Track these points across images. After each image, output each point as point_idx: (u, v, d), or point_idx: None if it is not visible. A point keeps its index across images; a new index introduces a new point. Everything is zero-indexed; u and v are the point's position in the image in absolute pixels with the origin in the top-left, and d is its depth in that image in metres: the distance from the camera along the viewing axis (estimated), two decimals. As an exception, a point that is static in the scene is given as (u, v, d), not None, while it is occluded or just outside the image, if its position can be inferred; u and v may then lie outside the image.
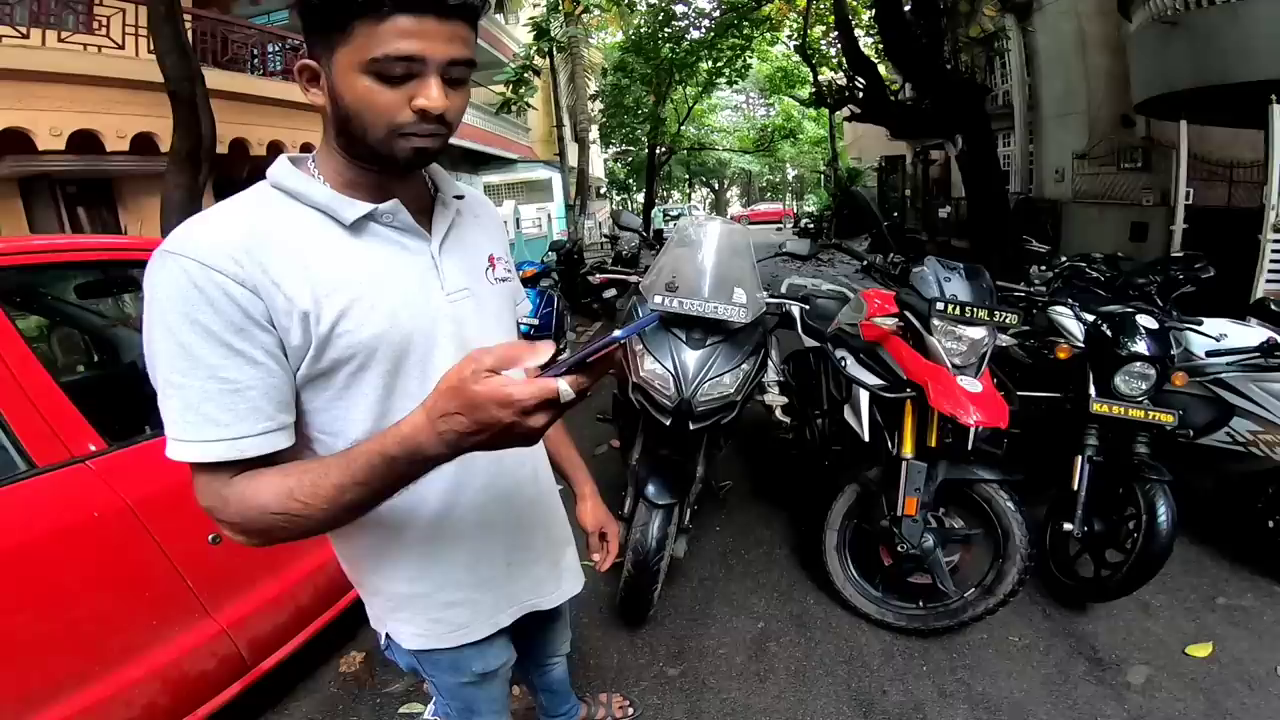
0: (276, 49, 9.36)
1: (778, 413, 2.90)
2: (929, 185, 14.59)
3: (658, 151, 18.96)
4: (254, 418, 0.70)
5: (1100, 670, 2.05)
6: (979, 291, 2.10)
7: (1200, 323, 2.56)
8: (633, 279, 2.61)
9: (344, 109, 0.72)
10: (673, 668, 2.11)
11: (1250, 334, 2.54)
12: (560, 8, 9.80)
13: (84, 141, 6.57)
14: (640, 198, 25.62)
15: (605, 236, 9.76)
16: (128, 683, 1.41)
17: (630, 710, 1.91)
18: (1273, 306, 2.38)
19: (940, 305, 2.00)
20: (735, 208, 37.18)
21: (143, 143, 7.03)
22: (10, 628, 1.26)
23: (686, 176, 32.87)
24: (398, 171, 0.78)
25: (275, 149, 8.39)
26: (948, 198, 12.35)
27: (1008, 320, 2.01)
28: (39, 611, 1.31)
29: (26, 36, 6.09)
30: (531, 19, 9.19)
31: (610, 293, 7.31)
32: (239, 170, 7.79)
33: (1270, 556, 2.51)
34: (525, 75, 8.91)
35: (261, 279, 0.69)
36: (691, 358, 2.03)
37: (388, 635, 0.98)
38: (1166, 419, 2.16)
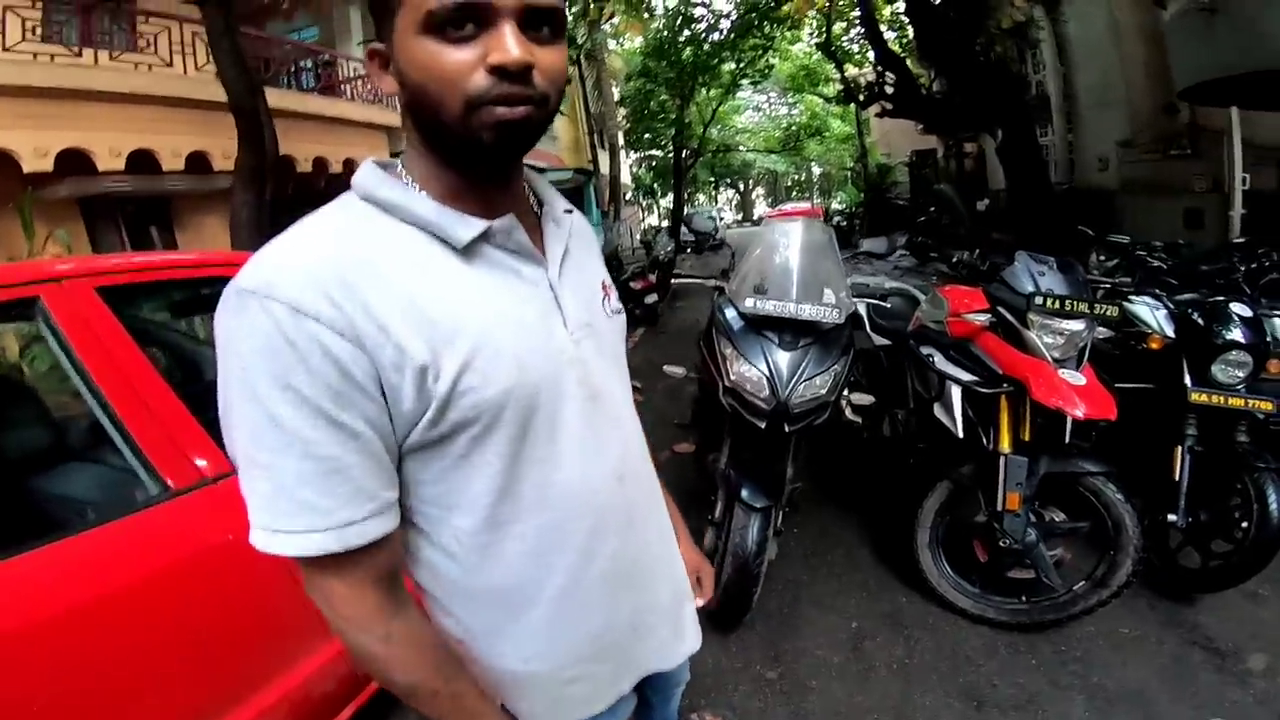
0: (310, 65, 9.58)
1: (849, 412, 2.91)
2: (963, 178, 14.40)
3: (684, 155, 19.00)
4: (357, 500, 0.59)
5: (1219, 659, 2.03)
6: (1075, 285, 2.09)
7: (1284, 308, 2.51)
8: (710, 283, 2.64)
9: (411, 86, 0.58)
10: (770, 670, 2.12)
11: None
12: (587, 15, 9.92)
13: (141, 161, 6.75)
14: (665, 202, 25.69)
15: (640, 242, 9.82)
16: (264, 708, 1.38)
17: None
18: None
19: (1039, 300, 1.99)
20: (761, 208, 37.02)
21: (196, 162, 7.24)
22: (165, 654, 1.23)
23: (712, 179, 32.86)
24: (489, 161, 0.63)
25: (320, 165, 8.58)
26: (985, 190, 12.19)
27: (1108, 313, 1.99)
28: (191, 636, 1.27)
29: (79, 55, 6.20)
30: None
31: (651, 298, 7.35)
32: (284, 189, 7.99)
33: None
34: (557, 83, 9.04)
35: (366, 325, 0.56)
36: (785, 359, 2.05)
37: None
38: (1266, 406, 2.14)
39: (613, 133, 16.20)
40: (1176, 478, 2.24)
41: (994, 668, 2.06)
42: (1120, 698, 1.90)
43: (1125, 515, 2.02)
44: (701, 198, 36.46)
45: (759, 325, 2.12)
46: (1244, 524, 2.10)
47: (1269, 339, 2.30)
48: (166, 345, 2.39)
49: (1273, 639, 2.09)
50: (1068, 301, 1.97)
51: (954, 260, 2.46)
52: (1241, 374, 2.18)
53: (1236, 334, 2.19)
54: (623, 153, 21.62)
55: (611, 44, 19.72)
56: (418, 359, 0.57)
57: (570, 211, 0.77)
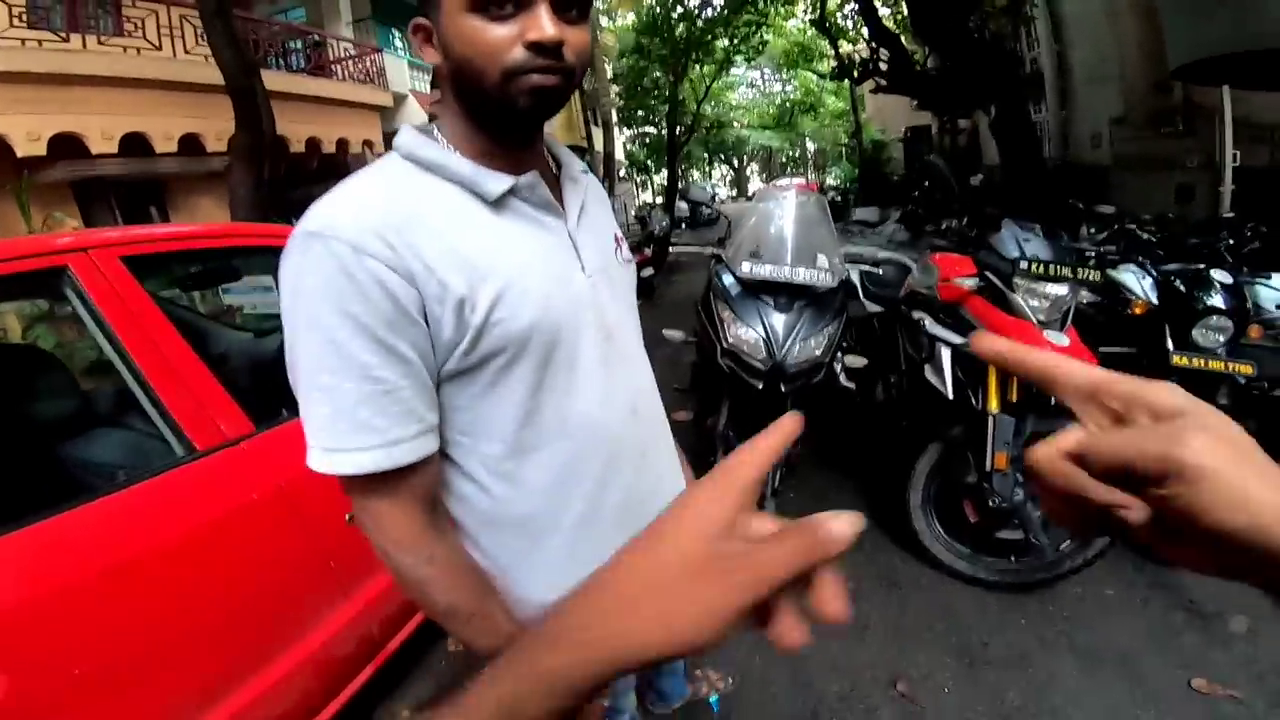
0: (299, 46, 9.50)
1: (843, 377, 2.99)
2: (957, 153, 14.41)
3: (677, 131, 18.90)
4: (407, 420, 0.66)
5: (1201, 620, 2.10)
6: (1059, 251, 2.16)
7: (1270, 277, 2.59)
8: (707, 251, 2.70)
9: (456, 58, 0.66)
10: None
11: (1322, 285, 2.57)
12: None
13: (134, 144, 6.76)
14: (659, 179, 25.58)
15: (635, 218, 9.85)
16: (290, 667, 1.41)
17: (729, 680, 1.93)
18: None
19: (1024, 264, 2.06)
20: (756, 184, 36.90)
21: (189, 144, 7.22)
22: (194, 611, 1.27)
23: (705, 155, 32.69)
24: (521, 124, 0.71)
25: (313, 145, 8.56)
26: (980, 165, 12.20)
27: (1091, 277, 2.07)
28: (218, 594, 1.31)
29: (66, 40, 6.20)
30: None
31: (647, 272, 7.39)
32: (277, 170, 7.96)
33: None
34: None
35: (415, 264, 0.63)
36: (780, 321, 2.12)
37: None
38: (1246, 369, 2.22)
39: (606, 110, 16.10)
40: None
41: (985, 627, 2.14)
42: (1107, 657, 1.97)
43: None
44: (696, 174, 36.30)
45: (755, 290, 2.19)
46: None
47: (1249, 305, 2.38)
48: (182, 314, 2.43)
49: (1254, 602, 2.13)
50: (1051, 266, 2.05)
51: (944, 227, 2.53)
52: (1222, 338, 2.27)
53: (1217, 300, 2.28)
54: (616, 130, 21.48)
55: (604, 21, 19.50)
56: (457, 292, 0.65)
57: (586, 172, 0.86)
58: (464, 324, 0.66)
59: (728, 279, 2.28)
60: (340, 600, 1.57)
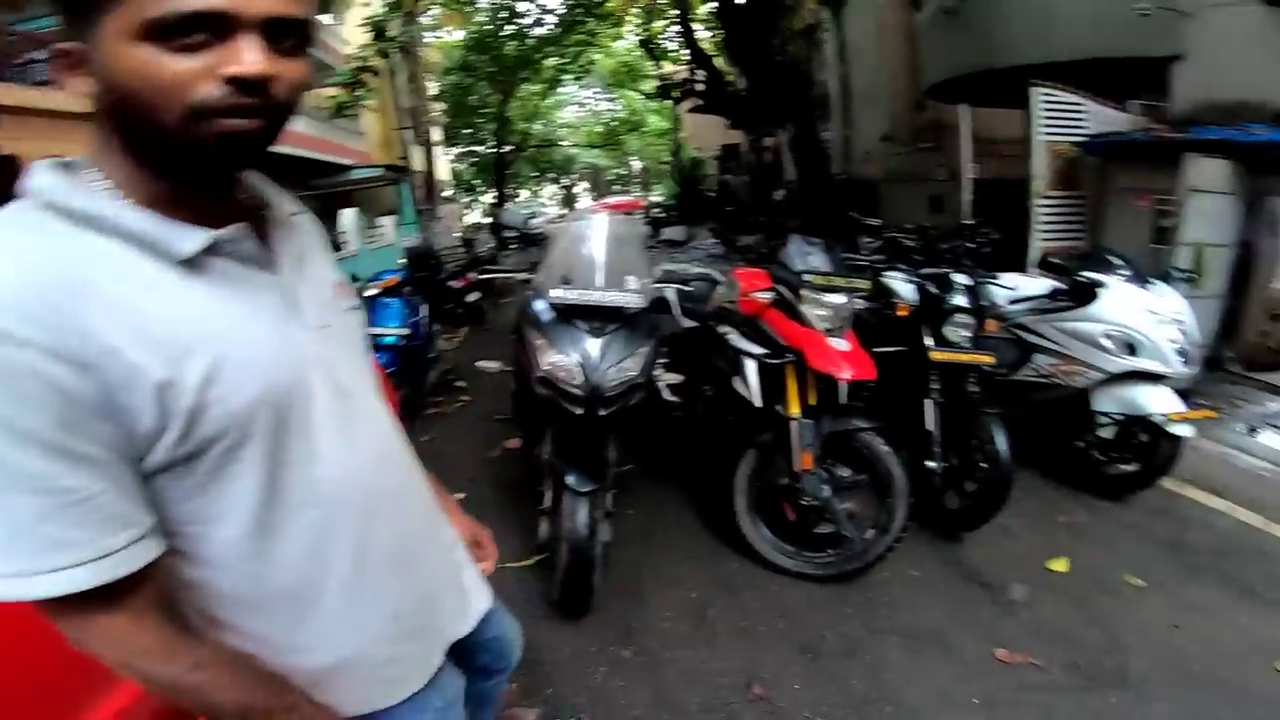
0: (44, 57, 8.07)
1: (666, 393, 3.09)
2: (763, 170, 15.73)
3: (505, 150, 18.70)
4: (114, 528, 0.55)
5: (989, 592, 2.39)
6: (837, 264, 2.41)
7: (997, 277, 3.10)
8: (519, 276, 2.65)
9: (120, 90, 0.54)
10: (625, 649, 2.18)
11: (1037, 284, 3.13)
12: (401, 6, 9.35)
13: None
14: (487, 199, 25.10)
15: (460, 239, 9.51)
16: None
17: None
18: (1052, 260, 2.95)
19: (807, 277, 2.26)
20: (586, 202, 37.57)
21: None
22: None
23: (535, 174, 32.66)
24: (208, 173, 0.61)
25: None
26: (781, 181, 13.40)
27: (860, 286, 2.33)
28: None
29: None
30: (367, 19, 8.71)
31: (474, 296, 7.17)
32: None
33: (1086, 474, 3.08)
34: (362, 77, 8.42)
35: (86, 346, 0.52)
36: (594, 346, 2.13)
37: None
38: (988, 360, 2.61)
39: (427, 128, 15.45)
40: (929, 427, 2.66)
41: (820, 620, 2.28)
42: (924, 636, 2.17)
43: (892, 465, 2.34)
44: (525, 193, 36.11)
45: (568, 314, 2.18)
46: (982, 465, 2.53)
47: (984, 303, 2.82)
48: None
49: (1026, 569, 2.51)
50: (830, 277, 2.27)
51: (738, 244, 2.72)
52: (967, 333, 2.65)
53: (960, 300, 2.67)
54: (440, 148, 20.74)
55: (430, 37, 18.78)
56: (154, 376, 0.55)
57: (301, 213, 0.77)
58: (168, 411, 0.56)
59: (539, 305, 2.25)
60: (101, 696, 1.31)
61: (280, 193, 0.75)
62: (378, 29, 8.69)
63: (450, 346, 6.50)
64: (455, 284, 6.79)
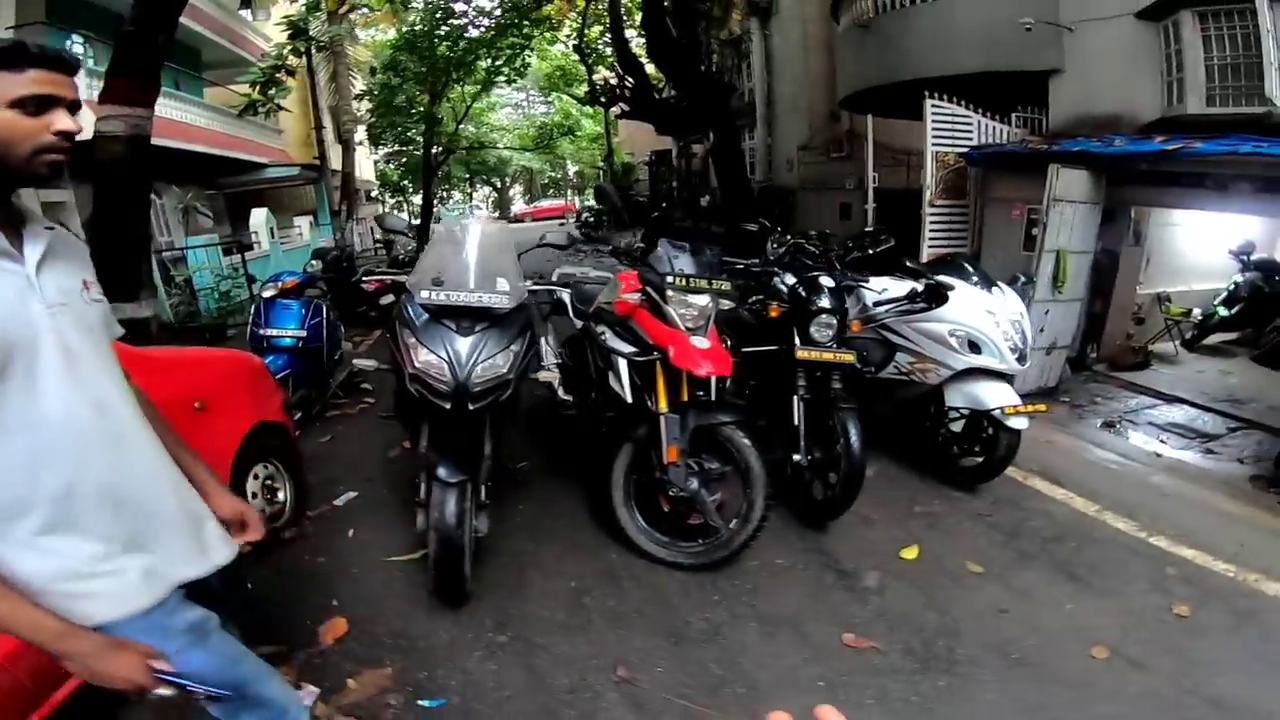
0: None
1: (560, 392, 3.17)
2: (691, 176, 16.08)
3: (434, 152, 18.32)
4: None
5: (845, 579, 2.55)
6: (701, 266, 2.55)
7: (867, 280, 3.33)
8: (403, 279, 2.68)
9: None
10: (501, 635, 2.25)
11: (901, 287, 3.37)
12: (322, 6, 9.09)
13: None
14: (417, 200, 24.53)
15: (378, 242, 9.32)
16: None
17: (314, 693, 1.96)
18: (908, 264, 3.20)
19: (670, 279, 2.39)
20: (519, 205, 37.18)
21: None
22: None
23: (467, 176, 32.06)
24: (34, 184, 0.97)
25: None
26: (707, 187, 13.74)
27: (722, 287, 2.47)
28: None
29: None
30: (286, 16, 8.44)
31: (388, 298, 7.04)
32: None
33: (943, 466, 3.33)
34: (276, 76, 8.16)
35: None
36: (463, 344, 2.18)
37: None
38: (848, 358, 2.79)
39: (349, 128, 15.00)
40: (796, 423, 2.83)
41: (688, 606, 2.39)
42: (781, 621, 2.30)
43: (751, 458, 2.48)
44: (457, 195, 35.46)
45: (439, 315, 2.23)
46: (841, 458, 2.71)
47: (848, 305, 3.02)
48: None
49: (881, 557, 2.69)
50: (692, 280, 2.41)
51: (611, 248, 2.83)
52: (830, 333, 2.82)
53: (825, 301, 2.84)
54: (365, 149, 20.15)
55: (362, 34, 18.20)
56: None
57: (52, 228, 1.03)
58: None
59: (411, 306, 2.29)
60: None
61: (36, 214, 1.03)
62: (295, 28, 8.45)
63: (360, 349, 6.38)
64: (368, 286, 6.67)
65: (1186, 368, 6.19)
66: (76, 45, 10.06)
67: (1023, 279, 3.55)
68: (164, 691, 0.97)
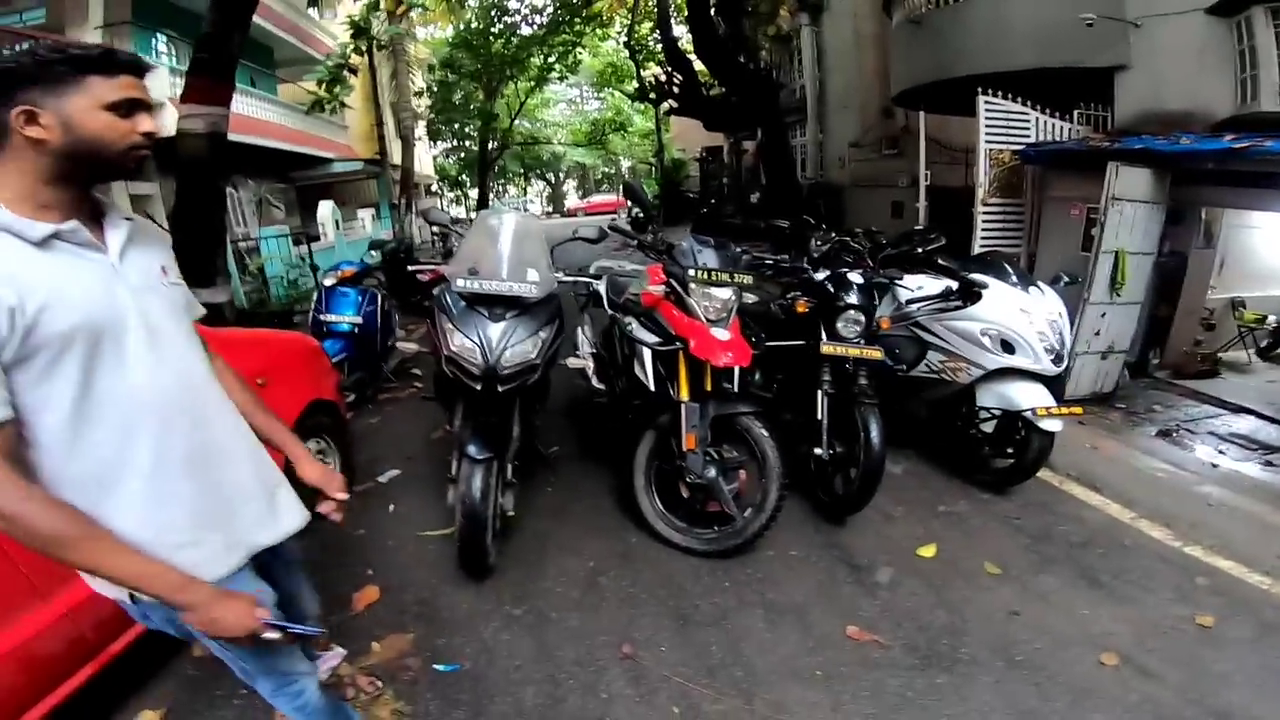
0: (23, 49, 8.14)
1: (594, 380, 3.29)
2: (742, 172, 15.98)
3: (490, 147, 18.83)
4: None
5: (857, 573, 2.57)
6: (724, 260, 2.61)
7: (900, 277, 3.30)
8: (445, 269, 2.84)
9: (82, 136, 0.96)
10: (517, 609, 2.37)
11: (935, 285, 3.33)
12: (382, 6, 9.49)
13: None
14: (474, 194, 25.21)
15: (435, 234, 9.69)
16: None
17: (379, 685, 2.03)
18: (941, 262, 3.15)
19: (692, 272, 2.47)
20: (573, 200, 37.65)
21: None
22: None
23: (521, 171, 32.76)
24: (124, 177, 1.10)
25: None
26: (758, 184, 13.63)
27: (744, 280, 2.53)
28: None
29: None
30: (350, 16, 8.87)
31: (440, 288, 7.36)
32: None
33: (973, 467, 3.28)
34: (341, 74, 8.58)
35: None
36: (495, 330, 2.32)
37: (123, 603, 1.10)
38: (875, 354, 2.78)
39: (408, 124, 15.58)
40: (819, 417, 2.86)
41: (699, 591, 2.46)
42: (787, 610, 2.35)
43: (768, 448, 2.52)
44: (512, 189, 36.21)
45: (474, 302, 2.38)
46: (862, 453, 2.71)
47: (876, 302, 3.00)
48: None
49: (897, 554, 2.69)
50: (714, 273, 2.48)
51: (637, 243, 2.91)
52: (857, 329, 2.83)
53: (853, 297, 2.85)
54: (425, 144, 20.82)
55: (420, 32, 18.86)
56: (7, 302, 0.89)
57: (130, 219, 1.13)
58: (14, 325, 0.89)
59: (449, 294, 2.44)
60: (36, 603, 1.60)
61: (115, 208, 1.12)
62: (358, 28, 8.85)
63: (413, 336, 6.67)
64: (422, 276, 6.97)
65: (1258, 377, 5.83)
66: (160, 44, 10.77)
67: (1065, 279, 3.43)
68: (271, 635, 1.06)
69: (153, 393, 1.04)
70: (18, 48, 0.96)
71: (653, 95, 16.41)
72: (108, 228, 1.08)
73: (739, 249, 2.83)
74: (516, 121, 21.37)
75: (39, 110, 0.94)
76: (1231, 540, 2.77)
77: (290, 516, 1.27)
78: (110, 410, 1.00)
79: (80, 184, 1.03)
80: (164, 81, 9.75)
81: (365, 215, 14.04)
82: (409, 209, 14.31)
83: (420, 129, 18.90)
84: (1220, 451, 4.16)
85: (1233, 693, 1.95)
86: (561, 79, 21.09)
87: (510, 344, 2.31)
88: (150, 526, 1.03)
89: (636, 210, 18.78)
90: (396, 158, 15.42)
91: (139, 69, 1.03)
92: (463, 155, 25.01)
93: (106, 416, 0.99)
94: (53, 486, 0.96)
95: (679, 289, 2.55)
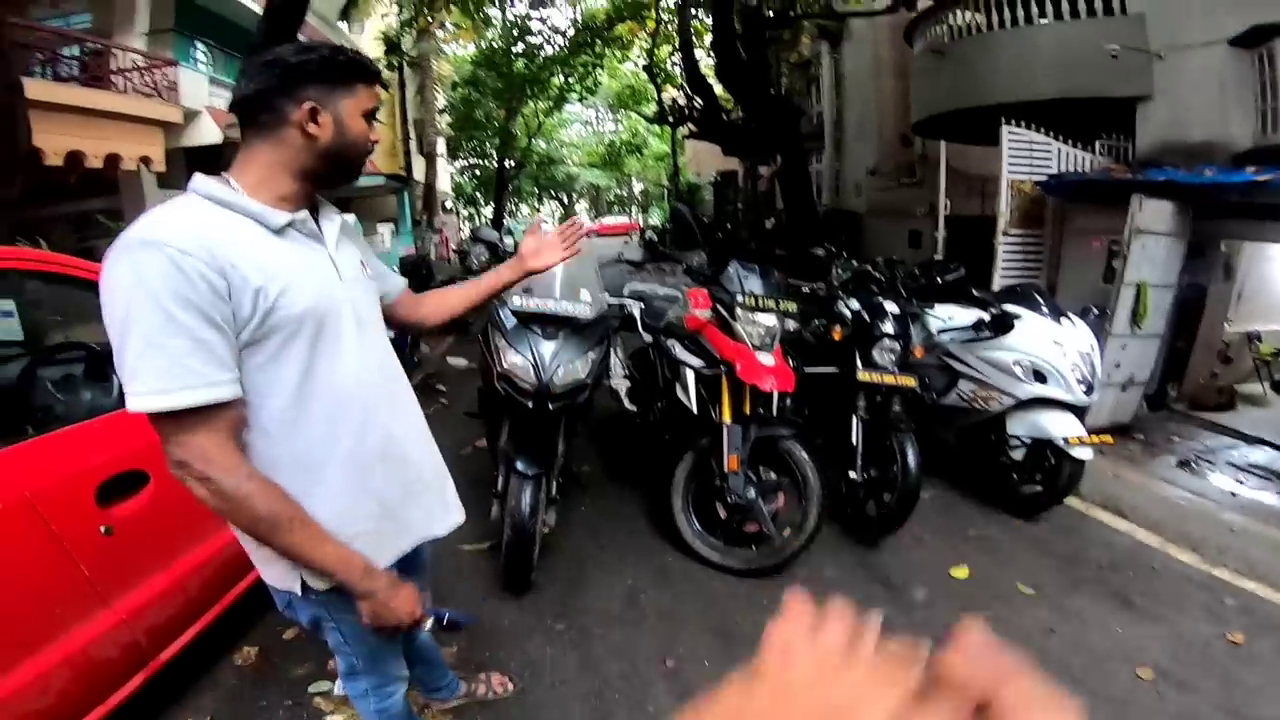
0: (75, 53, 8.43)
1: (626, 402, 3.35)
2: (757, 198, 16.14)
3: (507, 165, 19.10)
4: (222, 369, 0.92)
5: (892, 592, 2.63)
6: (769, 287, 2.69)
7: (932, 307, 3.38)
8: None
9: (347, 137, 1.04)
10: (559, 624, 2.41)
11: (967, 315, 3.40)
12: (415, 24, 9.71)
13: None
14: (488, 211, 25.53)
15: (455, 251, 9.83)
16: (36, 672, 1.44)
17: (510, 685, 2.07)
18: (974, 292, 3.23)
19: (741, 298, 2.55)
20: (585, 220, 37.92)
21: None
22: None
23: (536, 190, 33.17)
24: (350, 180, 1.13)
25: (75, 159, 7.59)
26: (773, 210, 13.76)
27: (789, 308, 2.61)
28: None
29: None
30: (381, 31, 9.08)
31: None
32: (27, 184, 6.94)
33: (1002, 493, 3.33)
34: (373, 89, 8.77)
35: (224, 264, 0.91)
36: (547, 348, 2.40)
37: (291, 593, 1.10)
38: (909, 382, 2.86)
39: (432, 140, 15.86)
40: (854, 442, 2.92)
41: (738, 608, 2.50)
42: None
43: (809, 470, 2.59)
44: (525, 209, 36.64)
45: (527, 321, 2.46)
46: (897, 478, 2.78)
47: (913, 330, 3.08)
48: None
49: (931, 575, 2.74)
50: (761, 299, 2.56)
51: (685, 267, 2.99)
52: (892, 357, 2.91)
53: (888, 326, 2.93)
54: (444, 160, 21.18)
55: (446, 49, 19.26)
56: (254, 284, 0.94)
57: (340, 214, 1.18)
58: (257, 306, 0.94)
59: (503, 312, 2.52)
60: (98, 608, 1.60)
61: (327, 204, 1.17)
62: (390, 43, 9.05)
63: (434, 352, 6.77)
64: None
65: (1274, 409, 5.84)
66: (199, 52, 11.00)
67: (1095, 311, 3.50)
68: (429, 624, 1.11)
69: (357, 382, 1.08)
70: (300, 46, 1.01)
71: (672, 118, 16.66)
72: (323, 220, 1.12)
73: (777, 276, 2.91)
74: (534, 141, 21.68)
75: (321, 108, 0.99)
76: (1256, 564, 2.83)
77: (458, 510, 1.35)
78: (323, 397, 1.04)
79: (321, 181, 1.07)
80: (203, 89, 9.98)
81: (385, 230, 14.24)
82: (429, 225, 14.51)
83: (440, 145, 19.23)
84: (1239, 481, 4.18)
85: (1267, 705, 2.01)
86: (580, 99, 21.45)
87: (562, 363, 2.38)
88: (342, 513, 1.06)
89: (651, 234, 19.01)
90: (419, 173, 15.67)
91: (382, 82, 1.10)
92: (478, 173, 25.38)
93: (320, 403, 1.03)
94: (264, 470, 0.98)
95: (725, 314, 2.62)
